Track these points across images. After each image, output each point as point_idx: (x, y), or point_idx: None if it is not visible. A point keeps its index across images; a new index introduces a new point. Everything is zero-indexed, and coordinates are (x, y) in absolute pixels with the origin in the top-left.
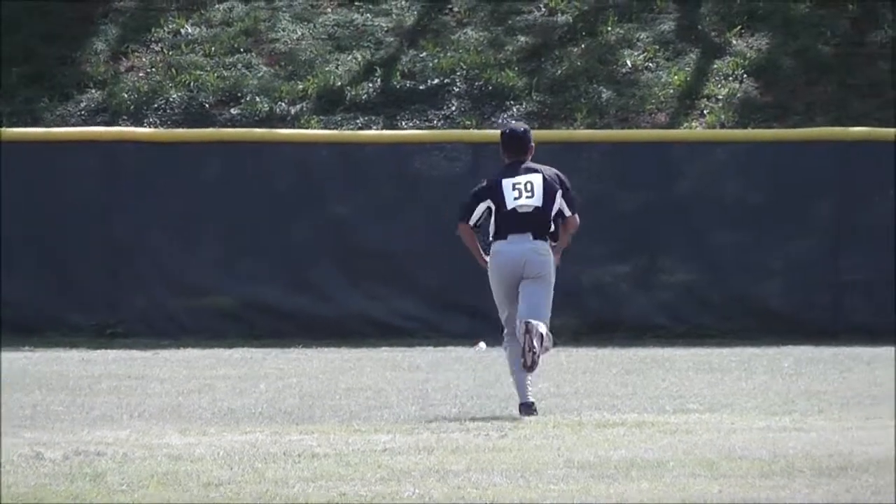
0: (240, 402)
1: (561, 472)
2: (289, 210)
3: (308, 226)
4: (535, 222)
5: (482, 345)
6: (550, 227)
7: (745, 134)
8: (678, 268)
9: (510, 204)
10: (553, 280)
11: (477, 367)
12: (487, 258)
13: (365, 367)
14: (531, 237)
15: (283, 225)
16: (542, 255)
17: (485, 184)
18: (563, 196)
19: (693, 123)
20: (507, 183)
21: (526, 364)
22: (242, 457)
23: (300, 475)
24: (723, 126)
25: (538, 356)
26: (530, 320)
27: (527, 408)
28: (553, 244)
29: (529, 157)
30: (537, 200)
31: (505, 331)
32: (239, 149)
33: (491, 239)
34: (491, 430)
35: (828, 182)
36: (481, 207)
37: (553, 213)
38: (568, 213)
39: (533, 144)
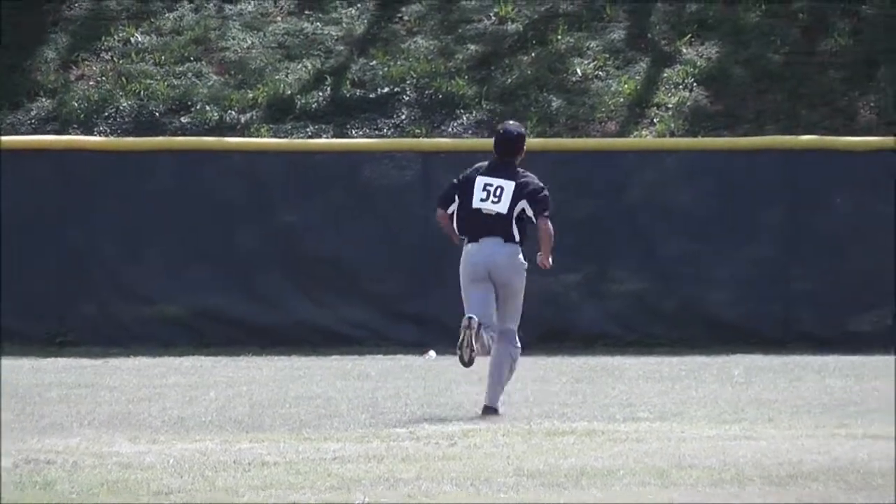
0: (190, 411)
1: (511, 480)
2: (239, 218)
3: (258, 234)
4: (498, 226)
5: (432, 353)
6: (514, 232)
7: (695, 142)
8: (628, 276)
9: (475, 203)
10: (522, 287)
11: (427, 375)
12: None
13: (315, 375)
14: (502, 241)
15: (233, 233)
16: (511, 260)
17: (464, 175)
18: (528, 200)
19: (643, 132)
20: (480, 181)
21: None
22: (192, 465)
23: (250, 483)
24: (672, 134)
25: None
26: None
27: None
28: (521, 255)
29: (519, 159)
30: (502, 207)
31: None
32: (189, 157)
33: (461, 237)
34: (441, 439)
35: (778, 191)
36: (457, 201)
37: (514, 217)
38: (533, 217)
39: (524, 147)
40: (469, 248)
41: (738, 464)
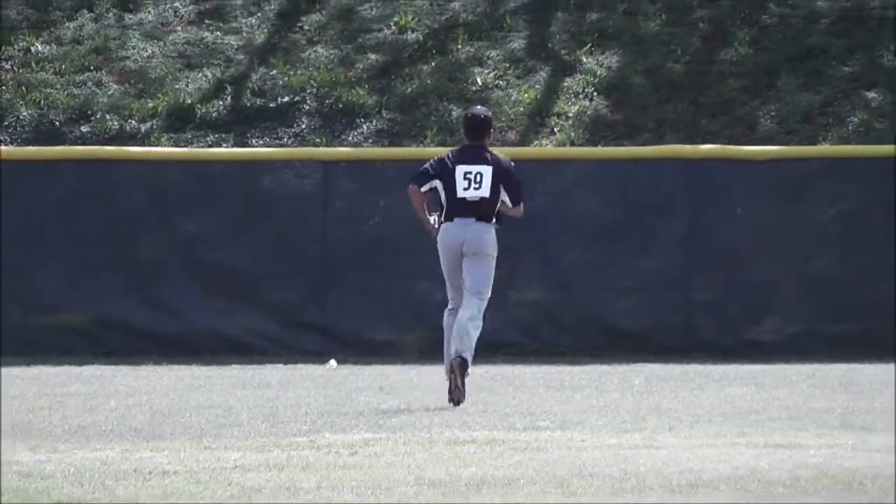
0: (90, 419)
1: (411, 489)
2: (139, 227)
3: (159, 243)
4: (480, 209)
5: (333, 362)
6: (494, 213)
7: (595, 152)
8: (530, 285)
9: (460, 193)
10: (494, 255)
11: (328, 384)
12: (431, 218)
13: (215, 384)
14: (475, 220)
15: (133, 242)
16: (483, 234)
17: (442, 161)
18: (507, 189)
19: (544, 141)
20: (460, 170)
21: (452, 399)
22: (93, 474)
23: (151, 493)
24: (573, 144)
25: (464, 394)
26: (455, 358)
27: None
28: (497, 225)
29: (488, 140)
30: (484, 192)
31: (448, 306)
32: (89, 166)
33: (441, 220)
34: (341, 448)
35: (678, 200)
36: (433, 183)
37: (498, 203)
38: (510, 204)
39: (492, 129)
40: (445, 227)
41: (638, 472)
